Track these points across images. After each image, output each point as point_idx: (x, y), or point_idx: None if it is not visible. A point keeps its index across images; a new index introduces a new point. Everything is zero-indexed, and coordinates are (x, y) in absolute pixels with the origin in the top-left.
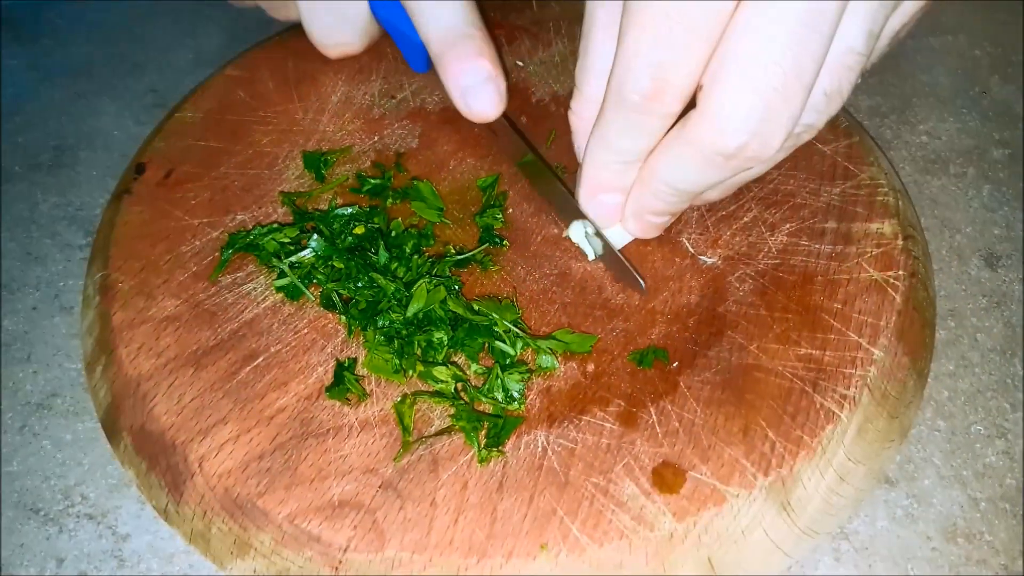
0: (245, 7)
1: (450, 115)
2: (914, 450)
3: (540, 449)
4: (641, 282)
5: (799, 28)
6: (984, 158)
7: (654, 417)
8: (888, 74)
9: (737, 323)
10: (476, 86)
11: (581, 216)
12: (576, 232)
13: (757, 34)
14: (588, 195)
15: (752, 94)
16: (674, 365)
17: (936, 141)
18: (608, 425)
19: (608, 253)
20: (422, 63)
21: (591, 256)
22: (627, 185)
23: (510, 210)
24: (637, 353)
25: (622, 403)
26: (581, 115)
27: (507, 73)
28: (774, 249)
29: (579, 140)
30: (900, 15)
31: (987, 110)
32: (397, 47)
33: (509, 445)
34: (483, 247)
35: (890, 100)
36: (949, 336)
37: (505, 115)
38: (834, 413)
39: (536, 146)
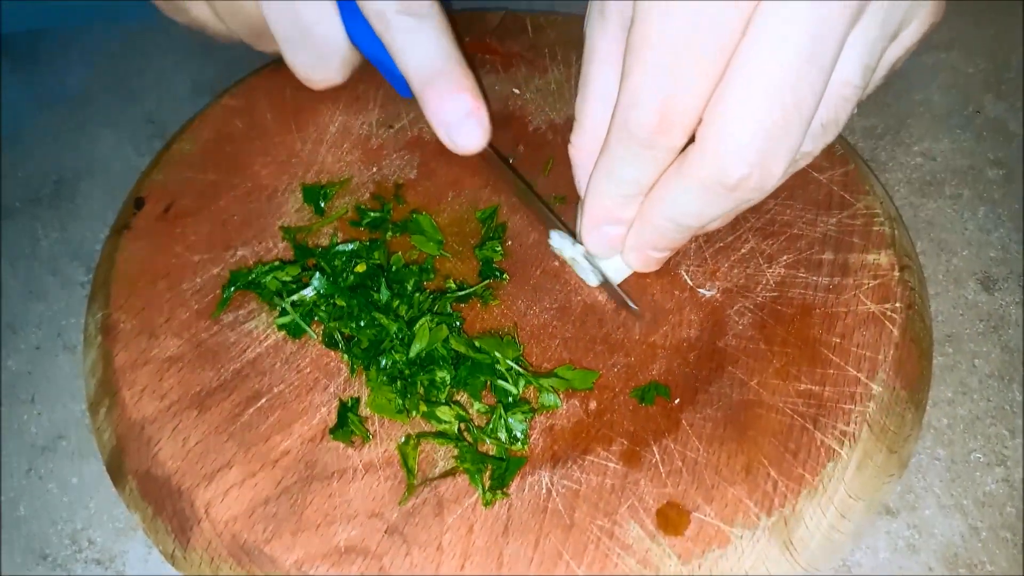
0: (231, 43)
1: None
2: (914, 479)
3: (544, 490)
4: (633, 306)
5: (800, 62)
6: (979, 178)
7: (657, 456)
8: (883, 93)
9: (737, 358)
10: (458, 121)
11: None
12: (566, 249)
13: (759, 67)
14: (592, 225)
15: (754, 126)
16: (676, 401)
17: (931, 162)
18: (612, 465)
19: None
20: (407, 90)
21: (592, 281)
22: (630, 217)
23: (509, 242)
24: (639, 390)
25: (625, 441)
26: (582, 148)
27: (489, 102)
28: (772, 281)
29: (579, 173)
30: (897, 47)
31: (981, 129)
32: (382, 75)
33: (513, 486)
34: (485, 283)
35: (885, 120)
36: (947, 362)
37: (492, 147)
38: (834, 450)
39: (528, 177)
